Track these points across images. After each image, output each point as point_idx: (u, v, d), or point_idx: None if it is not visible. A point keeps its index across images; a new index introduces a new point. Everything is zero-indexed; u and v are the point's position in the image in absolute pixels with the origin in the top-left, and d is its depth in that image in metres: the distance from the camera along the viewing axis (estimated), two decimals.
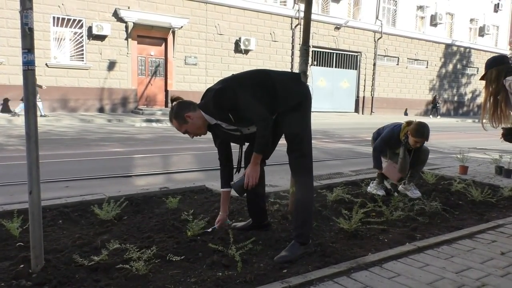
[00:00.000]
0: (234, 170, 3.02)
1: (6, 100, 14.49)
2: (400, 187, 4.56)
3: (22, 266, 2.34)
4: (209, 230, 3.05)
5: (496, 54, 3.78)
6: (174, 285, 2.25)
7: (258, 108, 2.54)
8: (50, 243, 2.76)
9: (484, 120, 3.57)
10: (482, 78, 3.50)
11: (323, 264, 2.55)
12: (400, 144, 4.32)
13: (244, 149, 3.00)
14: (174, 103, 2.75)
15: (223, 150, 3.00)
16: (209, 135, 2.99)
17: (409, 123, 4.28)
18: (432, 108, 27.19)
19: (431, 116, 26.46)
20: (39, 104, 14.18)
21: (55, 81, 15.17)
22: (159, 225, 3.17)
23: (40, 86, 13.93)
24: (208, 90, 2.68)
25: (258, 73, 2.78)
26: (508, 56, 3.57)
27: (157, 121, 14.49)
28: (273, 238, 2.97)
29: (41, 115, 14.18)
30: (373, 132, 4.75)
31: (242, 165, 2.96)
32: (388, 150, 4.54)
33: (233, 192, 2.96)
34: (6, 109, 14.45)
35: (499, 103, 3.35)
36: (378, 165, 4.49)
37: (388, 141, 4.40)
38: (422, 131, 4.13)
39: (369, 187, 4.58)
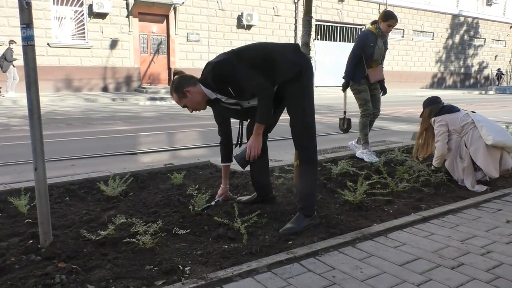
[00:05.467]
0: (234, 145, 3.02)
1: None
2: (358, 153, 4.81)
3: (31, 241, 2.38)
4: (212, 203, 3.07)
5: (432, 96, 4.26)
6: (181, 258, 2.28)
7: (258, 79, 2.53)
8: (58, 219, 2.79)
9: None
10: (420, 116, 4.16)
11: (328, 235, 2.57)
12: (376, 41, 4.63)
13: (244, 126, 2.99)
14: (176, 76, 2.77)
15: (223, 128, 3.04)
16: (210, 112, 2.98)
17: (373, 22, 4.75)
18: (498, 79, 27.13)
19: (495, 87, 26.51)
20: None
21: (58, 61, 15.10)
22: (164, 200, 3.19)
23: None
24: (208, 64, 2.68)
25: (257, 46, 2.78)
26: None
27: (161, 99, 14.45)
28: (278, 211, 2.98)
29: None
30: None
31: (245, 141, 2.94)
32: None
33: (237, 166, 2.94)
34: None
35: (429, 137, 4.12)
36: (350, 75, 4.75)
37: (365, 41, 4.61)
38: (390, 13, 4.65)
39: (358, 152, 4.79)
